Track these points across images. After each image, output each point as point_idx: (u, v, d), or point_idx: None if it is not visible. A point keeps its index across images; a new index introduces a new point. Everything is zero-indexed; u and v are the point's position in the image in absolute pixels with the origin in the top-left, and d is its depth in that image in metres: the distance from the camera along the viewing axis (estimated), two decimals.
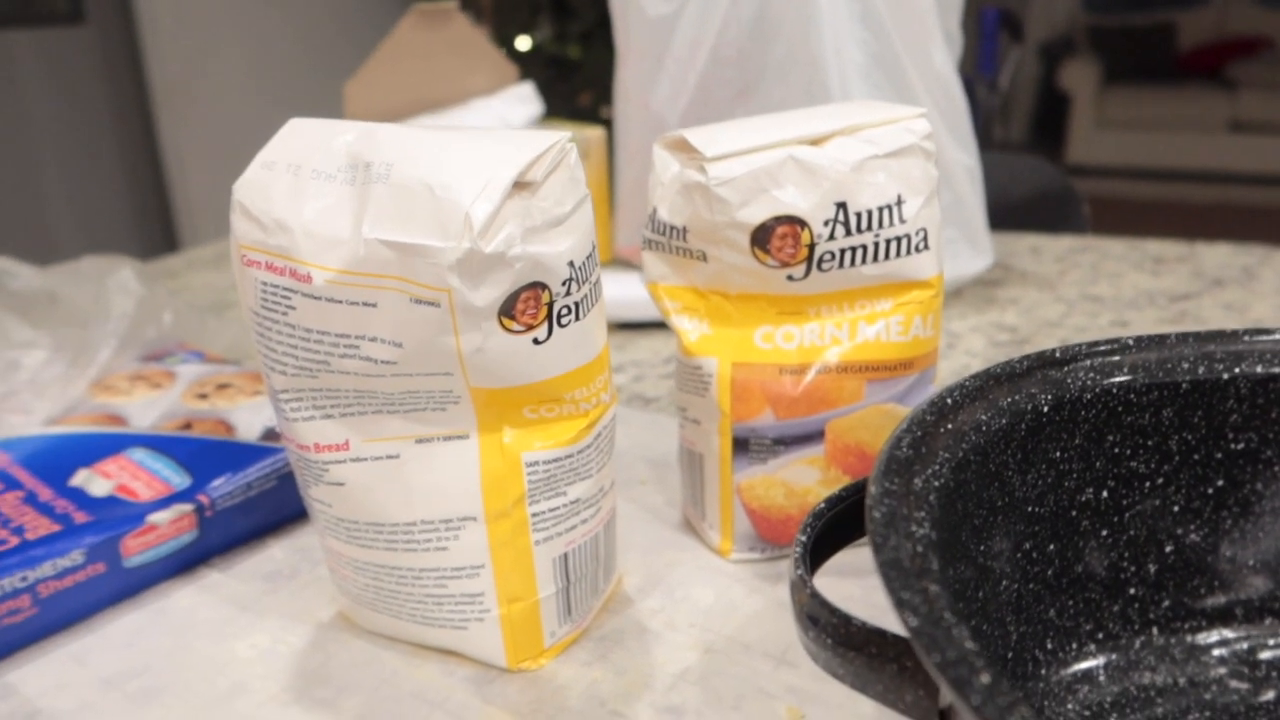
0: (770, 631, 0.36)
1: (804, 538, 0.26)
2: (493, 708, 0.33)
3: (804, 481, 0.39)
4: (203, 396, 0.49)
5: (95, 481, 0.41)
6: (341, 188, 0.30)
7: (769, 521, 0.40)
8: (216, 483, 0.41)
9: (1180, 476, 0.32)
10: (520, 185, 0.29)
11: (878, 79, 0.66)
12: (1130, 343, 0.31)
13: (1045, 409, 0.29)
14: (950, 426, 0.27)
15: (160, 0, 2.66)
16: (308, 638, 0.37)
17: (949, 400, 0.27)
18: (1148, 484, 0.32)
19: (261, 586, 0.40)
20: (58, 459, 0.43)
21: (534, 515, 0.33)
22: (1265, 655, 0.33)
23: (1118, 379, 0.30)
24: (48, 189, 2.64)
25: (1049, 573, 0.31)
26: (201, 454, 0.43)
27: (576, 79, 3.08)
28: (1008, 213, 0.97)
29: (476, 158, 0.29)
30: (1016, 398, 0.29)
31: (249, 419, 0.46)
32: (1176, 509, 0.32)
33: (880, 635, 0.22)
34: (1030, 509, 0.30)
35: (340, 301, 0.29)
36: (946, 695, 0.20)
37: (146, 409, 0.48)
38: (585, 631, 0.36)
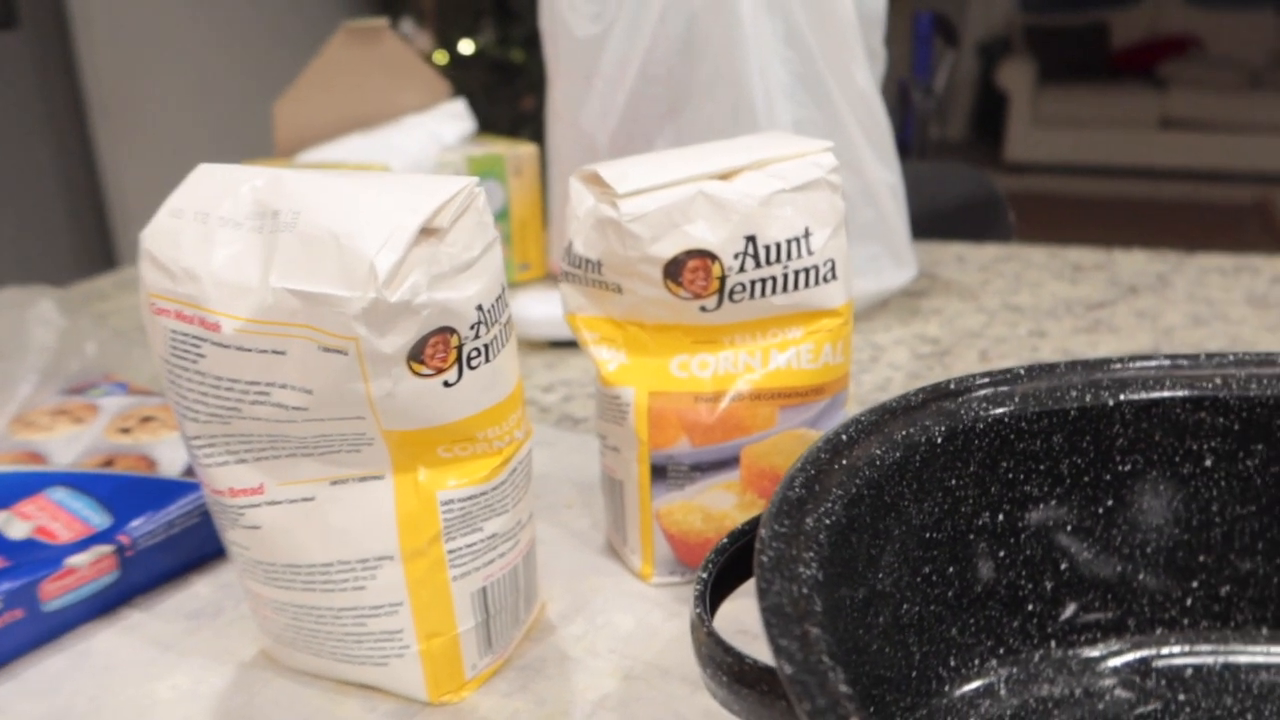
0: (687, 656, 0.37)
1: (705, 575, 0.27)
2: None
3: (721, 506, 0.40)
4: (125, 430, 0.49)
5: (13, 524, 0.41)
6: (249, 235, 0.30)
7: (688, 545, 0.41)
8: (136, 522, 0.41)
9: (1072, 498, 0.33)
10: (427, 232, 0.29)
11: (802, 98, 0.67)
12: (1021, 372, 0.33)
13: (939, 440, 0.30)
14: (845, 463, 0.28)
15: (95, 6, 2.61)
16: (230, 678, 0.37)
17: (843, 437, 0.28)
18: (1041, 505, 0.33)
19: (184, 626, 0.40)
20: None
21: (450, 552, 0.33)
22: (1157, 665, 0.34)
23: (1008, 408, 0.31)
24: None
25: (949, 594, 0.33)
26: (122, 492, 0.43)
27: (520, 83, 3.07)
28: (937, 221, 0.99)
29: (382, 206, 0.29)
30: (911, 430, 0.30)
31: (171, 454, 0.46)
32: (1069, 528, 0.34)
33: (770, 673, 0.23)
34: (928, 535, 0.31)
35: (249, 350, 0.30)
36: None
37: (68, 445, 0.47)
38: (508, 661, 0.37)
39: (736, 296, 0.38)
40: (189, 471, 0.45)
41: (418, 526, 0.32)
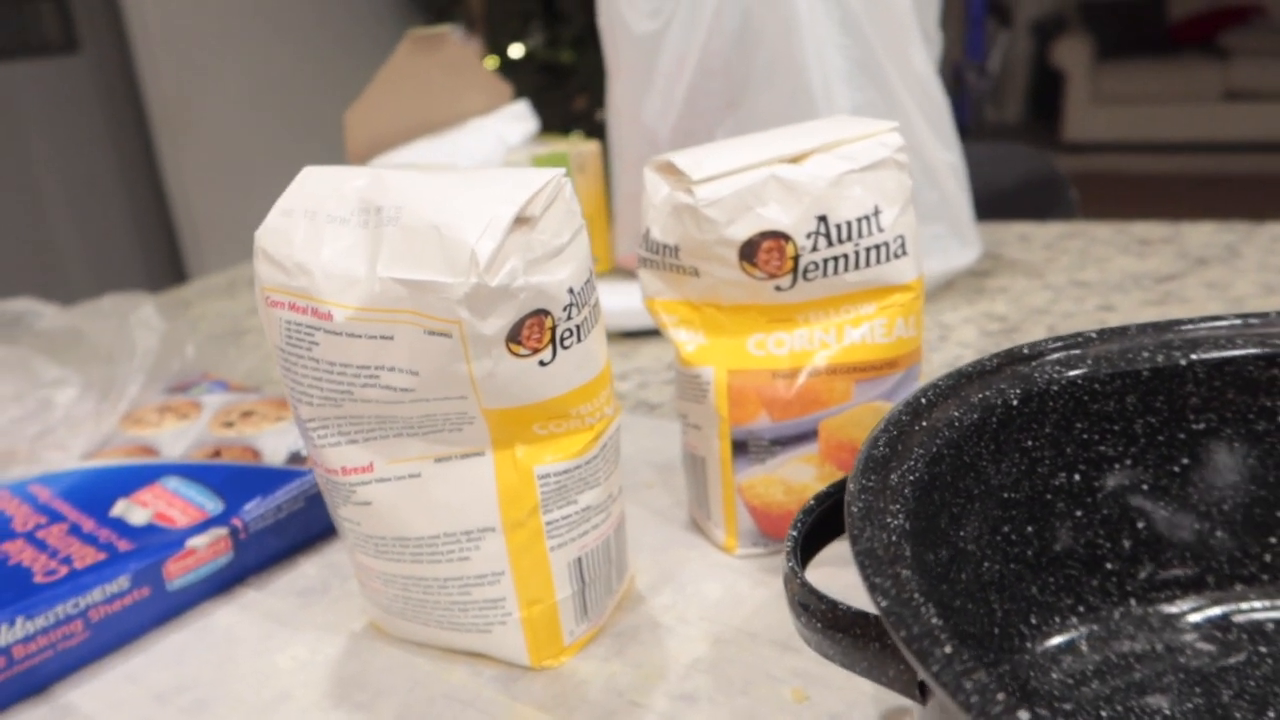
0: (775, 621, 0.38)
1: (795, 533, 0.28)
2: (520, 704, 0.35)
3: (801, 478, 0.42)
4: (228, 424, 0.52)
5: (134, 511, 0.44)
6: (355, 231, 0.32)
7: (770, 518, 0.42)
8: (248, 506, 0.44)
9: (1147, 457, 0.34)
10: (520, 221, 0.31)
11: (860, 83, 0.68)
12: (1093, 335, 0.33)
13: (1014, 402, 0.31)
14: (925, 424, 0.29)
15: (154, 25, 2.70)
16: (342, 647, 0.39)
17: (923, 400, 0.30)
18: (1116, 465, 0.34)
19: (296, 602, 0.43)
20: (96, 491, 0.46)
21: (548, 523, 0.35)
22: (1237, 619, 0.35)
23: (1081, 370, 0.32)
24: (52, 220, 2.67)
25: (1029, 553, 0.34)
26: (232, 480, 0.46)
27: (570, 84, 3.10)
28: (998, 201, 0.99)
29: (479, 198, 0.31)
30: (987, 393, 0.31)
31: (274, 444, 0.49)
32: (1145, 487, 0.34)
33: (863, 617, 0.24)
34: (1006, 495, 0.32)
35: (359, 336, 0.32)
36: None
37: (176, 439, 0.50)
38: (602, 629, 0.39)
39: (810, 275, 0.40)
40: (292, 460, 0.48)
41: (517, 499, 0.34)
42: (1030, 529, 0.33)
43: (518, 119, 0.84)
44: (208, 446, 0.49)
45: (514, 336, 0.32)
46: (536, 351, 0.32)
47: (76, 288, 2.72)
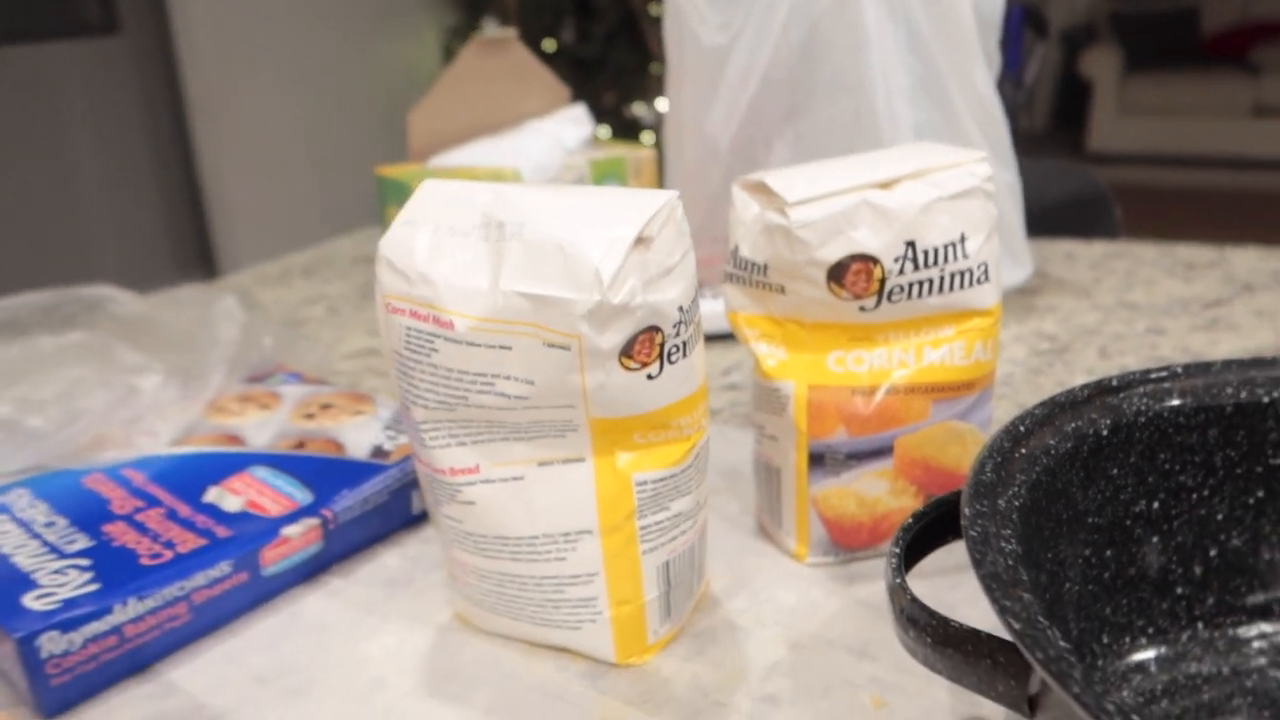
0: (849, 628, 0.40)
1: (898, 549, 0.30)
2: (608, 698, 0.37)
3: (874, 492, 0.43)
4: (309, 416, 0.53)
5: (227, 498, 0.46)
6: (477, 244, 0.34)
7: (842, 529, 0.44)
8: (339, 498, 0.46)
9: (1224, 489, 0.35)
10: (639, 241, 0.33)
11: (922, 102, 0.69)
12: (1180, 370, 0.35)
13: (1105, 432, 0.33)
14: (1024, 451, 0.30)
15: (195, 9, 2.72)
16: (431, 638, 0.41)
17: (1021, 428, 0.31)
18: (1194, 495, 0.35)
19: (382, 592, 0.44)
20: (188, 477, 0.48)
21: (642, 528, 0.37)
22: None
23: (1169, 403, 0.34)
24: (84, 199, 2.70)
25: (1106, 575, 0.35)
26: (319, 471, 0.48)
27: (601, 78, 3.11)
28: (1042, 218, 1.00)
29: (600, 218, 0.33)
30: (1079, 423, 0.32)
31: (357, 438, 0.51)
32: (1220, 517, 0.36)
33: (975, 634, 0.26)
34: (1090, 520, 0.34)
35: (479, 345, 0.33)
36: (1037, 684, 0.24)
37: (260, 429, 0.52)
38: (682, 630, 0.40)
39: (895, 297, 0.41)
40: (375, 454, 0.49)
41: (615, 504, 0.36)
42: (1109, 553, 0.35)
43: (575, 122, 0.85)
44: (292, 437, 0.51)
45: (626, 351, 0.33)
46: (645, 365, 0.34)
47: (101, 268, 2.75)
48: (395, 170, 0.80)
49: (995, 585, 0.23)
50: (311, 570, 0.45)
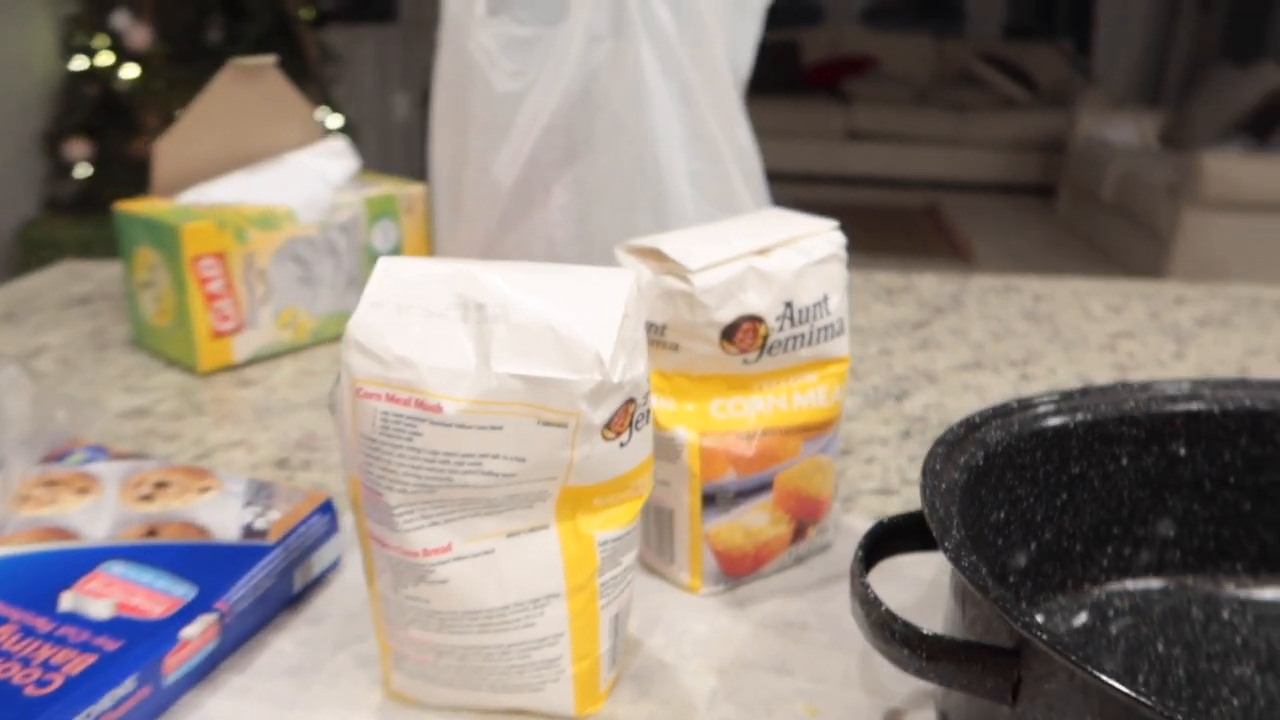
0: (763, 649, 0.45)
1: (863, 581, 0.35)
2: None
3: (758, 523, 0.49)
4: (146, 498, 0.49)
5: (89, 603, 0.41)
6: (455, 325, 0.34)
7: (731, 559, 0.49)
8: (232, 588, 0.43)
9: (1044, 489, 0.45)
10: (623, 319, 0.35)
11: (696, 150, 0.76)
12: (1015, 405, 0.44)
13: (979, 463, 0.41)
14: (962, 447, 0.38)
15: None
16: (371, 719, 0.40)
17: (953, 434, 0.38)
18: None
19: (291, 683, 0.42)
20: (27, 584, 0.42)
21: (601, 585, 0.39)
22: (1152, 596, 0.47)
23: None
24: None
25: (1024, 540, 0.43)
26: (190, 560, 0.44)
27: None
28: None
29: (582, 297, 0.35)
30: (989, 436, 0.40)
31: (218, 519, 0.47)
32: (1039, 518, 0.45)
33: (967, 645, 0.32)
34: (994, 519, 0.41)
35: (469, 427, 0.34)
36: (1016, 675, 0.31)
37: (90, 517, 0.47)
38: (619, 674, 0.43)
39: (774, 351, 0.47)
40: (249, 534, 0.46)
41: (580, 565, 0.38)
42: (1015, 527, 0.43)
43: (336, 156, 0.83)
44: (137, 524, 0.46)
45: (608, 424, 0.35)
46: (619, 435, 0.36)
47: None
48: (141, 206, 0.73)
49: (1009, 606, 0.29)
50: (206, 670, 0.42)
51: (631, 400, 0.36)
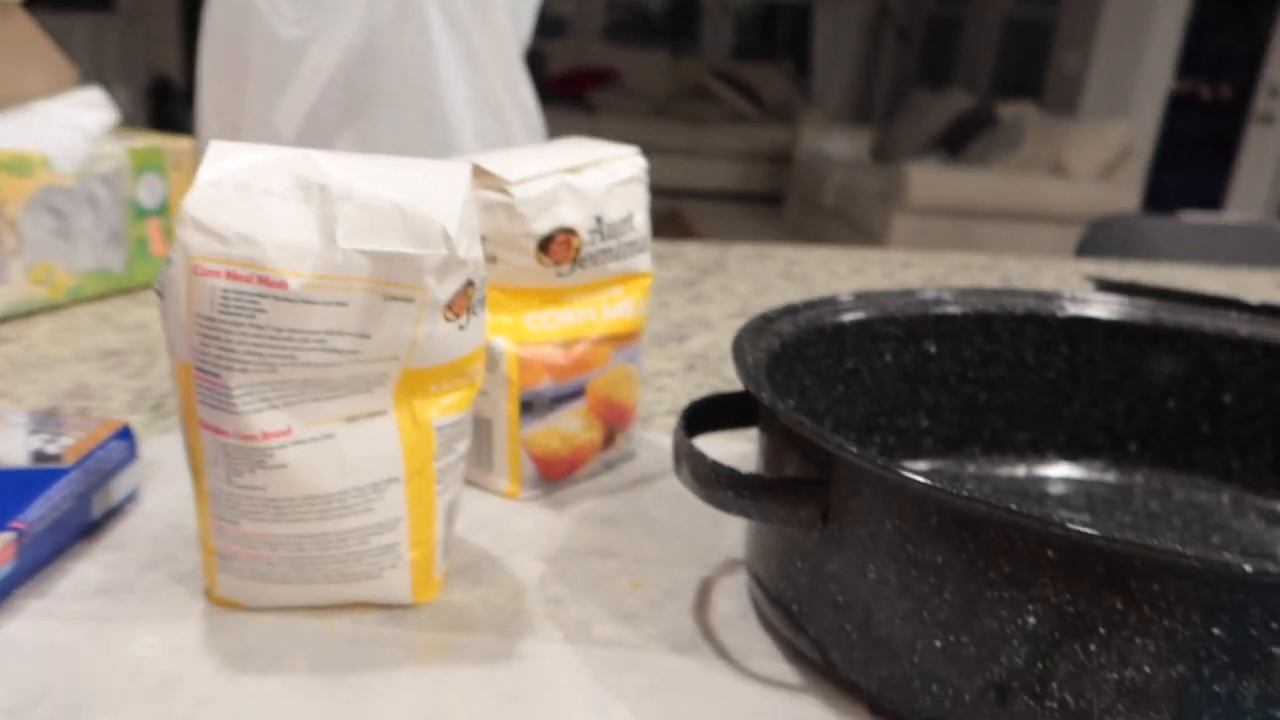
0: (585, 539, 0.48)
1: (688, 442, 0.39)
2: (422, 632, 0.40)
3: (573, 428, 0.51)
4: None
5: None
6: (297, 205, 0.35)
7: (548, 463, 0.51)
8: (30, 508, 0.40)
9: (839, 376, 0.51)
10: (464, 203, 0.37)
11: (482, 110, 0.78)
12: (850, 296, 0.49)
13: (816, 329, 0.46)
14: (766, 332, 0.42)
15: None
16: (201, 626, 0.39)
17: (759, 320, 0.43)
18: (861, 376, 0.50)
19: (101, 602, 0.40)
20: None
21: (438, 471, 0.40)
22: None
23: (834, 319, 0.48)
24: None
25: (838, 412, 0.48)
26: None
27: None
28: None
29: (426, 182, 0.36)
30: (792, 324, 0.45)
31: (4, 447, 0.44)
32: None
33: (786, 480, 0.36)
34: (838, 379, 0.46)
35: (315, 303, 0.34)
36: (824, 501, 0.35)
37: None
38: (449, 569, 0.44)
39: (585, 264, 0.50)
40: (40, 458, 0.43)
41: (418, 451, 0.39)
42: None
43: (93, 106, 0.77)
44: None
45: (449, 304, 0.37)
46: (459, 317, 0.38)
47: None
48: None
49: (748, 379, 0.34)
50: (2, 595, 0.39)
51: (471, 283, 0.38)
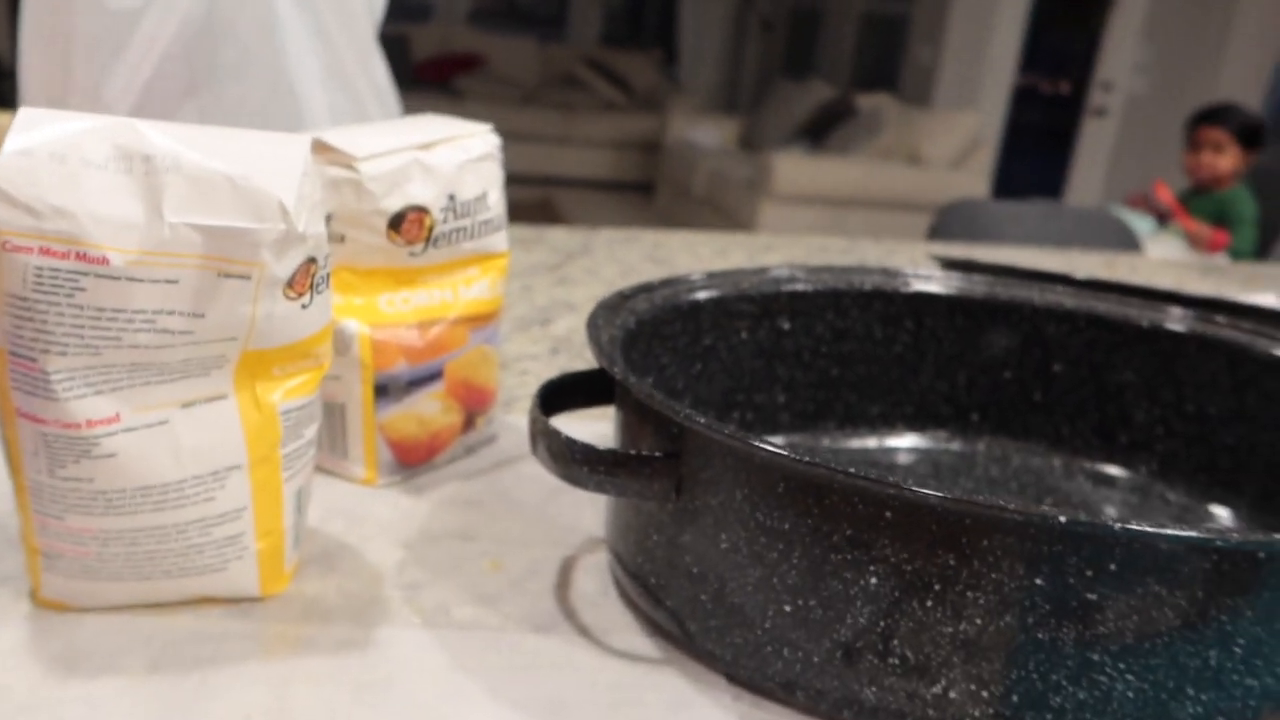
0: (445, 523, 0.47)
1: (544, 418, 0.39)
2: (272, 624, 0.38)
3: (430, 411, 0.50)
4: None
5: None
6: (119, 177, 0.33)
7: (405, 448, 0.50)
8: None
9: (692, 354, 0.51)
10: (303, 175, 0.35)
11: (332, 86, 0.75)
12: (705, 275, 0.50)
13: (650, 316, 0.46)
14: (620, 310, 0.42)
15: None
16: (25, 629, 0.37)
17: (614, 298, 0.43)
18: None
19: None
20: None
21: (284, 456, 0.39)
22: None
23: (690, 297, 0.48)
24: None
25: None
26: None
27: None
28: None
29: (259, 153, 0.34)
30: (648, 302, 0.45)
31: None
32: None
33: (638, 456, 0.36)
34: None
35: (141, 280, 0.33)
36: (678, 472, 0.36)
37: None
38: (301, 559, 0.43)
39: (439, 244, 0.49)
40: None
41: (262, 436, 0.38)
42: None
43: None
44: None
45: (290, 282, 0.36)
46: (300, 295, 0.37)
47: None
48: None
49: (601, 354, 0.34)
50: None
51: (313, 260, 0.36)
